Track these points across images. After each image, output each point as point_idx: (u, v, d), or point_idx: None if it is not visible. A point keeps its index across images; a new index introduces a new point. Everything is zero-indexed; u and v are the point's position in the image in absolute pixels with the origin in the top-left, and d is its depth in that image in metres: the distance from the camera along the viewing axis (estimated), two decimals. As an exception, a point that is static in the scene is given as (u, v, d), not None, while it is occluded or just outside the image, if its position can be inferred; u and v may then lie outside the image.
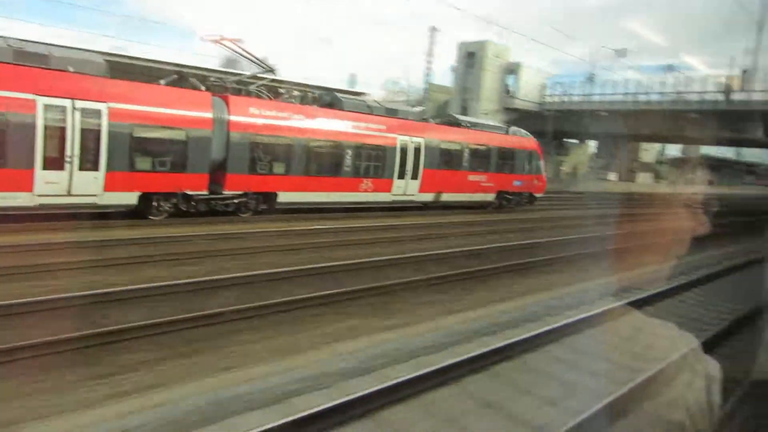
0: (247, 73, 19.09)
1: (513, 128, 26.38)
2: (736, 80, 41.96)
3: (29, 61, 12.40)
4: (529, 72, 54.50)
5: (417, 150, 20.66)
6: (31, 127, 12.03)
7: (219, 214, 15.69)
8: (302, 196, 17.62)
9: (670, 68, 46.42)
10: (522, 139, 26.12)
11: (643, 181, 57.72)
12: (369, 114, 19.64)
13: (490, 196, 24.26)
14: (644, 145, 63.34)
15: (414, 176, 20.65)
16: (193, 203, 15.18)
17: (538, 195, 26.67)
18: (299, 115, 17.46)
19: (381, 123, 19.72)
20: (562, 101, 52.51)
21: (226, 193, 15.78)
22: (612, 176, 55.45)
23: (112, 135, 13.28)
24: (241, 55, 18.03)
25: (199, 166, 15.03)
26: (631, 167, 57.83)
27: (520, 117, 47.87)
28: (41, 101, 12.18)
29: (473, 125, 24.18)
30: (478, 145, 23.36)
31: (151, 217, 14.40)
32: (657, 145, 67.83)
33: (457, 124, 23.64)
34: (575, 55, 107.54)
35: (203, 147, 15.01)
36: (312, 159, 17.75)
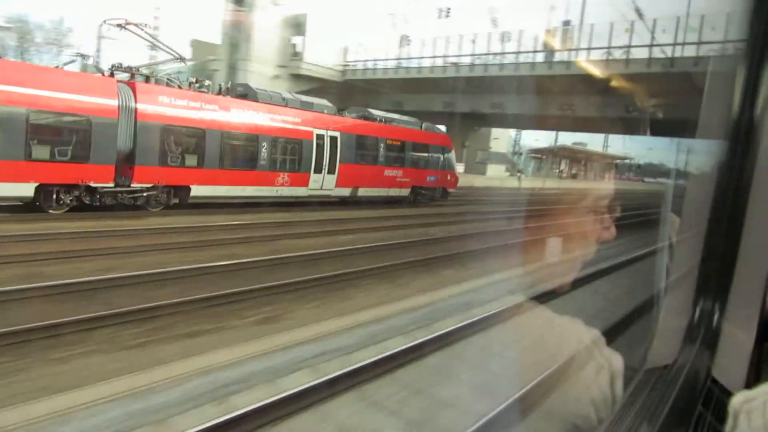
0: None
1: (426, 124, 27.02)
2: (555, 35, 32.71)
3: None
4: (325, 30, 40.12)
5: (334, 144, 20.68)
6: None
7: (129, 209, 14.92)
8: (217, 190, 17.12)
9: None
10: (435, 134, 26.91)
11: (496, 174, 49.91)
12: (284, 106, 19.40)
13: (405, 191, 24.79)
14: (496, 133, 52.27)
15: (331, 171, 20.67)
16: (98, 196, 14.35)
17: (451, 190, 27.58)
18: (213, 105, 16.93)
19: (297, 116, 19.53)
20: (366, 68, 40.43)
21: (135, 185, 15.04)
22: (459, 168, 44.75)
23: (4, 121, 12.29)
24: (148, 41, 17.22)
25: (104, 157, 14.22)
26: (481, 158, 49.59)
27: (319, 88, 37.51)
28: None
29: (388, 120, 24.54)
30: (394, 140, 23.79)
31: (51, 211, 13.46)
32: (512, 132, 58.71)
33: (372, 118, 23.90)
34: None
35: (108, 136, 14.20)
36: (227, 151, 17.28)
